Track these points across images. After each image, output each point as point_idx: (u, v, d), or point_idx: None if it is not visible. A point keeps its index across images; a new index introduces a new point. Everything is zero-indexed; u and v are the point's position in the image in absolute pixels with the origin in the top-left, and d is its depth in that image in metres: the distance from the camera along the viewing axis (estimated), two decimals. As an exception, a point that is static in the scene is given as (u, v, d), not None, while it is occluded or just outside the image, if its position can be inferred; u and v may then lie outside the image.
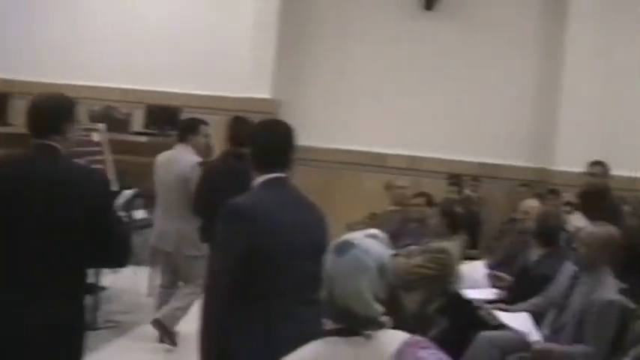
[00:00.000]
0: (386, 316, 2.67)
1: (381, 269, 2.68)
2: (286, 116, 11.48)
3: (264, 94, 12.51)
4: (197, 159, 7.72)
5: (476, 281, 7.57)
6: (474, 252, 9.53)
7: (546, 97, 12.71)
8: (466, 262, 7.92)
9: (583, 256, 5.97)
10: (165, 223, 7.84)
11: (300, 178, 10.39)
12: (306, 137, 12.12)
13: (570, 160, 11.32)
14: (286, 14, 12.83)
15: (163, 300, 7.98)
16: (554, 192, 11.26)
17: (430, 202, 8.94)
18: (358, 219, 10.92)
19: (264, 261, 3.69)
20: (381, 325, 2.66)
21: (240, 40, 12.62)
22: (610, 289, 5.87)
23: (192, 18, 13.20)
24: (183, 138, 7.98)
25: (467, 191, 11.99)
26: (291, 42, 13.01)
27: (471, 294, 7.17)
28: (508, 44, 12.91)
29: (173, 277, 8.05)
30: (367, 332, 2.63)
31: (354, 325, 2.64)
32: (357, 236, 2.76)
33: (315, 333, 2.75)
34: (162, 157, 8.07)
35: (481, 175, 12.57)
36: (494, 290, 7.44)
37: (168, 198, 7.83)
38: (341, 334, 2.66)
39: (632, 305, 5.93)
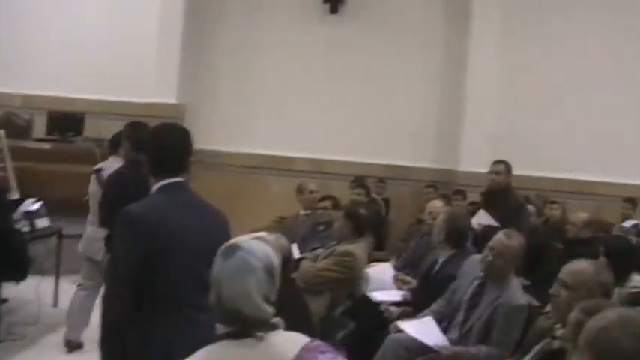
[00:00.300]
0: (278, 317, 2.68)
1: (269, 270, 2.70)
2: (192, 121, 11.44)
3: (170, 99, 12.37)
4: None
5: (383, 283, 7.58)
6: (381, 254, 9.59)
7: (451, 99, 12.86)
8: (373, 264, 7.97)
9: (495, 266, 5.94)
10: (94, 230, 7.79)
11: (207, 182, 10.44)
12: (212, 142, 12.34)
13: (475, 161, 11.50)
14: (191, 18, 12.72)
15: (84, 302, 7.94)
16: (460, 193, 11.42)
17: (336, 205, 8.94)
18: (266, 223, 10.90)
19: (164, 266, 3.69)
20: (273, 327, 2.67)
21: (145, 44, 12.43)
22: (517, 290, 5.90)
23: (96, 22, 12.97)
24: (113, 150, 8.14)
25: (373, 194, 12.05)
26: (197, 46, 12.91)
27: (378, 296, 7.18)
28: (413, 47, 13.03)
29: (97, 283, 7.96)
30: (259, 334, 2.64)
31: (244, 327, 2.65)
32: (243, 239, 2.79)
33: (214, 338, 2.75)
34: (95, 168, 8.19)
35: (388, 177, 12.66)
36: (402, 292, 7.46)
37: (95, 207, 7.80)
38: (232, 337, 2.66)
39: (535, 302, 6.01)
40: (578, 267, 4.51)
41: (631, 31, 12.56)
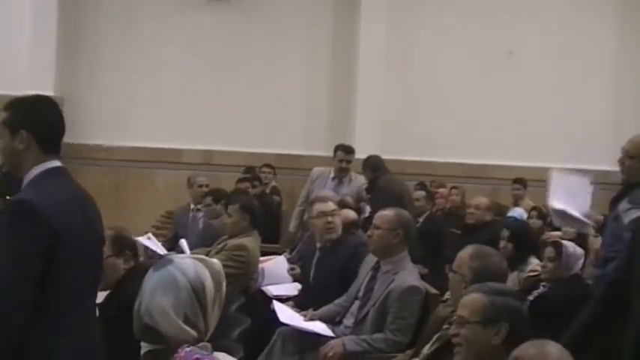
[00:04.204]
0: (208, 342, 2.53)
1: (196, 292, 2.51)
2: (71, 114, 10.88)
3: (47, 91, 11.71)
4: None
5: (278, 277, 7.46)
6: (275, 246, 9.40)
7: (342, 87, 12.75)
8: (267, 257, 7.80)
9: (375, 242, 5.94)
10: None
11: (90, 179, 10.01)
12: (94, 136, 11.85)
13: (368, 149, 11.35)
14: (67, 6, 12.15)
15: None
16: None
17: (218, 200, 8.58)
18: (157, 218, 10.60)
19: (61, 268, 3.14)
20: None
21: (19, 34, 11.81)
22: (410, 274, 5.85)
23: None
24: None
25: (273, 183, 11.77)
26: (74, 36, 12.32)
27: (273, 291, 7.08)
28: (302, 33, 12.87)
29: None
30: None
31: (166, 347, 2.49)
32: (181, 256, 2.69)
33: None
34: None
35: (279, 166, 12.41)
36: (297, 285, 7.31)
37: None
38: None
39: (433, 290, 5.94)
40: (461, 253, 4.48)
41: (515, 15, 12.77)
